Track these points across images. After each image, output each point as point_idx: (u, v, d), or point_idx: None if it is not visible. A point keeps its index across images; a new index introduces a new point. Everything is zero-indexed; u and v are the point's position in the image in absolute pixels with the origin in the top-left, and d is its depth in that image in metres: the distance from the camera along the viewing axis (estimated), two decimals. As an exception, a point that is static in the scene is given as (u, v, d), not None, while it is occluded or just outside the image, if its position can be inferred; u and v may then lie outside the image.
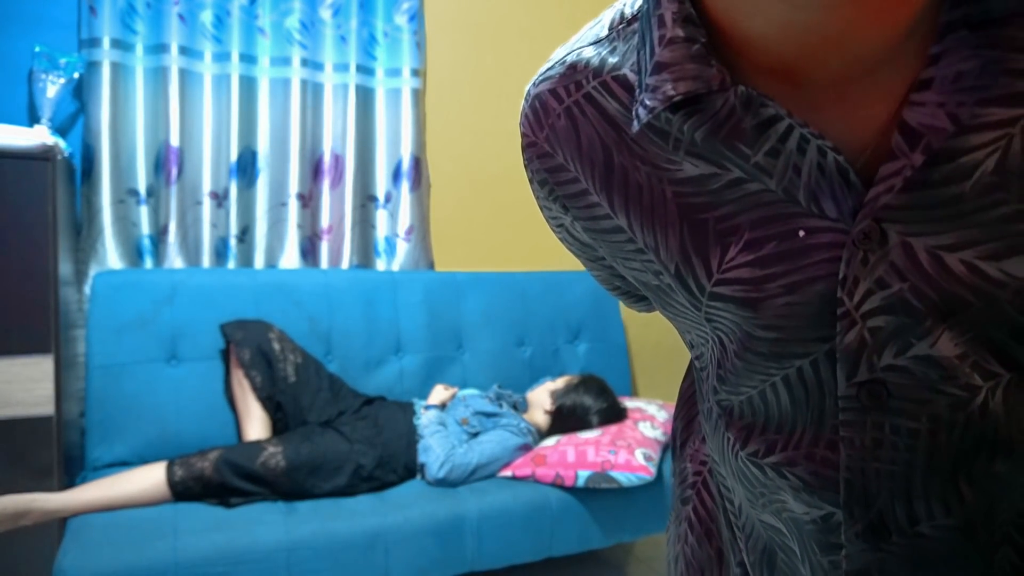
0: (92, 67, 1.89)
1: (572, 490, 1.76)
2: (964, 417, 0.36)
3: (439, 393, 2.00)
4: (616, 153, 0.41)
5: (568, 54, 0.44)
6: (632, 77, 0.39)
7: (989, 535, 0.38)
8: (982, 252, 0.33)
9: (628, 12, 0.41)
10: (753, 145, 0.35)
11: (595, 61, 0.42)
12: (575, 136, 0.43)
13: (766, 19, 0.31)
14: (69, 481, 1.63)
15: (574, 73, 0.43)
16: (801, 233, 0.36)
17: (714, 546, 0.56)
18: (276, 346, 1.84)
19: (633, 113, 0.39)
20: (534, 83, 0.46)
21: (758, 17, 0.31)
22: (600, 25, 0.43)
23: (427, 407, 1.92)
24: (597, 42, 0.42)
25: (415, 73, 2.28)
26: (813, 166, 0.34)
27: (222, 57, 2.05)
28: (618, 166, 0.42)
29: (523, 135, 0.47)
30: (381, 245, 2.33)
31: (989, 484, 0.37)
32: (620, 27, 0.41)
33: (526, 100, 0.47)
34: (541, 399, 2.03)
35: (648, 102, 0.36)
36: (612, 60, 0.41)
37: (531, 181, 0.49)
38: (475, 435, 1.87)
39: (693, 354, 0.51)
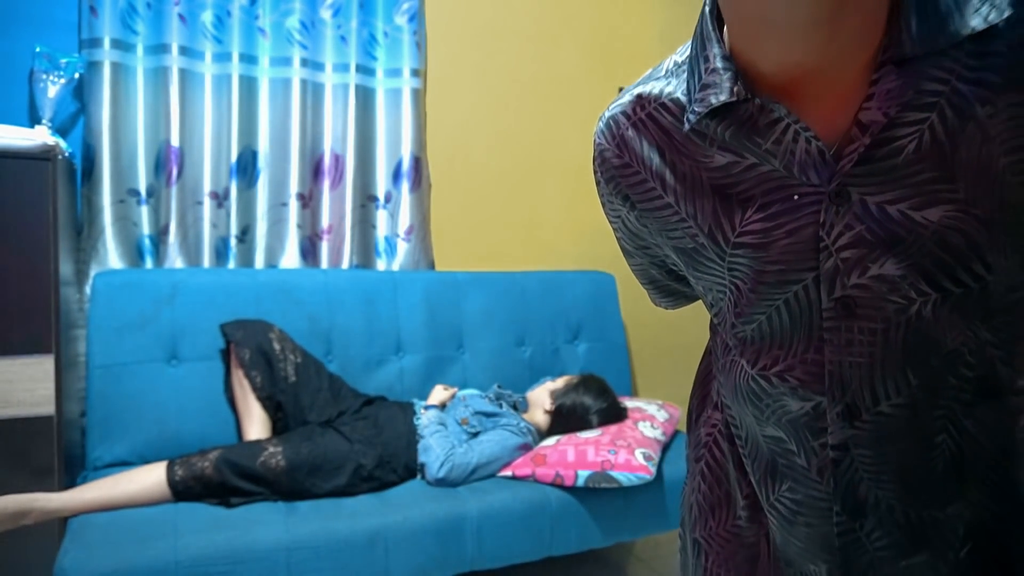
0: (93, 67, 1.89)
1: (572, 490, 1.76)
2: (905, 320, 0.52)
3: (439, 393, 2.01)
4: (668, 152, 0.61)
5: (636, 87, 0.65)
6: (682, 99, 0.59)
7: (930, 417, 0.54)
8: (910, 204, 0.51)
9: (679, 59, 0.61)
10: (764, 137, 0.53)
11: (655, 91, 0.62)
12: (639, 141, 0.63)
13: (770, 63, 0.51)
14: (70, 481, 1.64)
15: (639, 100, 0.63)
16: (796, 196, 0.54)
17: (723, 490, 0.73)
18: (276, 346, 1.84)
19: (684, 120, 0.58)
20: (608, 109, 0.67)
21: (765, 62, 0.52)
22: (659, 69, 0.64)
23: (427, 407, 1.92)
24: (656, 79, 0.63)
25: (415, 73, 2.29)
26: (802, 150, 0.52)
27: (222, 57, 2.06)
28: (669, 160, 0.61)
29: (596, 145, 0.68)
30: (381, 245, 2.33)
31: (927, 373, 0.53)
32: (673, 68, 0.62)
33: (601, 121, 0.67)
34: (541, 399, 2.03)
35: (697, 109, 0.55)
36: (668, 89, 0.61)
37: (599, 183, 0.69)
38: (475, 435, 1.87)
39: (712, 312, 0.67)
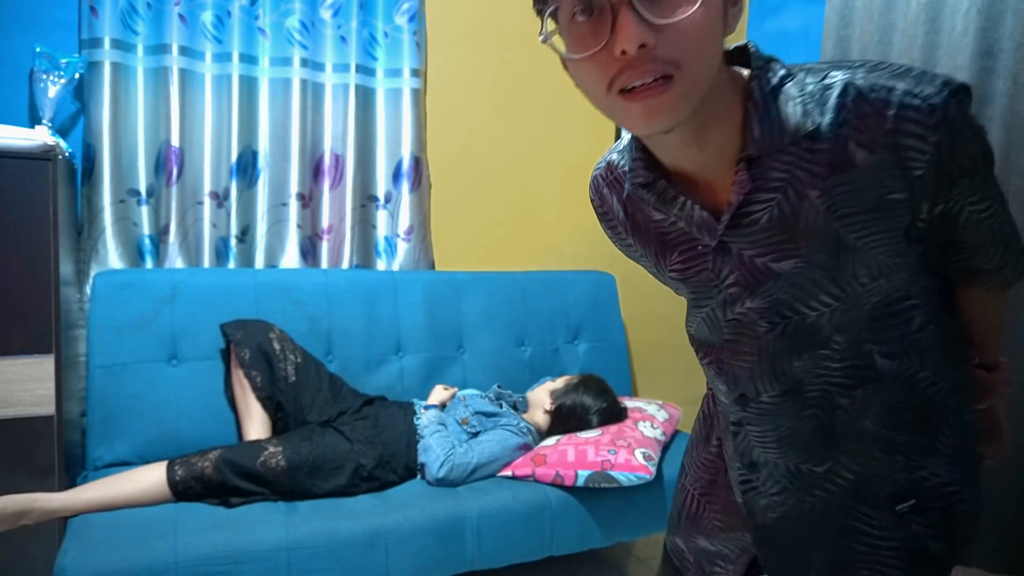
0: (93, 67, 1.89)
1: (572, 490, 1.76)
2: (772, 337, 0.76)
3: (439, 393, 2.00)
4: (628, 206, 0.84)
5: (609, 154, 0.87)
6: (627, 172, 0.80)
7: (801, 401, 0.78)
8: (770, 258, 0.71)
9: (625, 142, 0.82)
10: (673, 206, 0.75)
11: (617, 160, 0.85)
12: (611, 197, 0.86)
13: (670, 161, 0.74)
14: (70, 481, 1.64)
15: (609, 166, 0.87)
16: (699, 247, 0.76)
17: (705, 431, 1.02)
18: (276, 346, 1.84)
19: (625, 187, 0.81)
20: (595, 168, 0.89)
21: (666, 160, 0.74)
22: (620, 142, 0.84)
23: (427, 407, 1.92)
24: (619, 151, 0.85)
25: (415, 73, 2.29)
26: (697, 217, 0.74)
27: (223, 57, 2.06)
28: (629, 213, 0.84)
29: (590, 193, 0.91)
30: (381, 245, 2.33)
31: (791, 373, 0.77)
32: (625, 145, 0.82)
33: (591, 176, 0.90)
34: (541, 399, 2.03)
35: (629, 184, 0.79)
36: (622, 162, 0.83)
37: (599, 220, 0.92)
38: (475, 435, 1.87)
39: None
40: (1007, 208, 0.72)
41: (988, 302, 0.82)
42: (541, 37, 0.68)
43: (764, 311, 0.75)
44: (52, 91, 1.78)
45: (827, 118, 0.64)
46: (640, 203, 0.80)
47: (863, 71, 0.64)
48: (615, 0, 0.58)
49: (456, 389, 2.07)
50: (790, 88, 0.67)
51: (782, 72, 0.68)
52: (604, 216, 0.89)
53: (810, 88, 0.66)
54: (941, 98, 0.61)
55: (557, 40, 0.68)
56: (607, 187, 0.86)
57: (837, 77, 0.65)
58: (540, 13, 0.67)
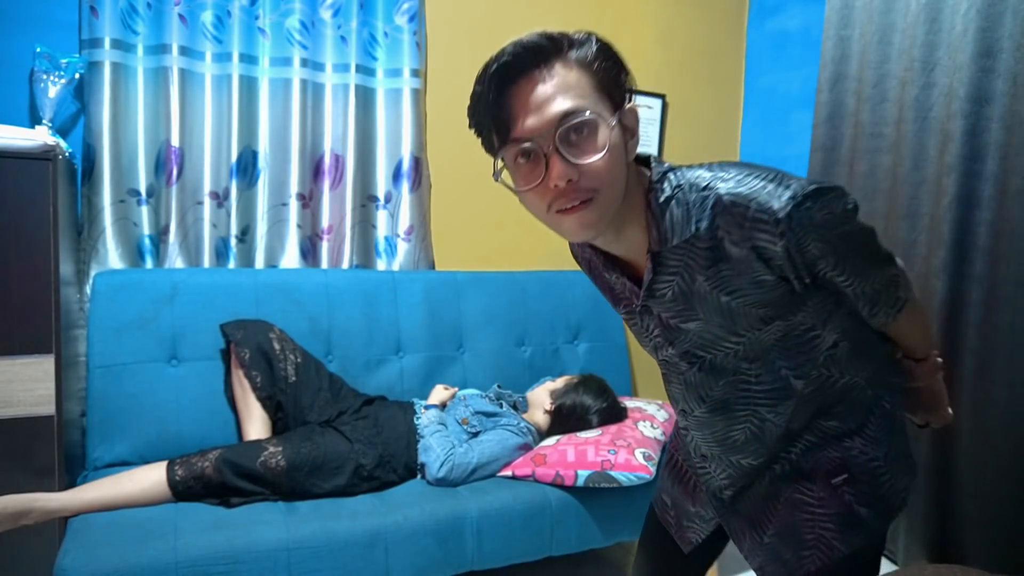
0: (93, 67, 1.89)
1: (572, 490, 1.76)
2: (691, 373, 0.97)
3: (439, 393, 2.00)
4: (592, 261, 1.01)
5: None
6: None
7: (730, 416, 0.97)
8: (678, 320, 0.92)
9: None
10: (612, 273, 0.95)
11: None
12: (582, 254, 1.05)
13: (604, 248, 0.94)
14: (70, 481, 1.64)
15: None
16: (634, 305, 0.95)
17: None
18: (276, 346, 1.84)
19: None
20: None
21: (601, 248, 0.94)
22: None
23: (427, 407, 1.92)
24: None
25: (415, 73, 2.29)
26: (626, 286, 0.94)
27: (223, 57, 2.06)
28: (594, 266, 1.02)
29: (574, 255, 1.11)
30: (381, 245, 2.33)
31: (714, 395, 0.96)
32: None
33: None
34: (541, 399, 2.03)
35: (585, 253, 1.02)
36: None
37: (572, 255, 1.13)
38: (475, 435, 1.87)
39: None
40: (874, 269, 0.89)
41: (898, 323, 0.98)
42: (493, 175, 0.87)
43: (683, 355, 0.96)
44: (52, 91, 1.78)
45: (704, 224, 0.83)
46: (595, 260, 0.99)
47: (733, 182, 0.81)
48: (547, 150, 0.78)
49: (456, 389, 2.07)
50: (677, 199, 0.85)
51: (669, 189, 0.86)
52: (576, 254, 1.09)
53: (692, 199, 0.84)
54: (785, 213, 0.77)
55: (506, 175, 0.86)
56: (578, 247, 1.06)
57: (712, 190, 0.82)
58: (490, 153, 0.88)
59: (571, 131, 0.78)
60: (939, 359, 1.09)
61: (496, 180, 0.87)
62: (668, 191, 0.86)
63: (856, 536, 0.96)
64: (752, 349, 0.92)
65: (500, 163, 0.86)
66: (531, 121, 0.79)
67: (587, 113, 0.78)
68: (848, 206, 0.81)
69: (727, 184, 0.82)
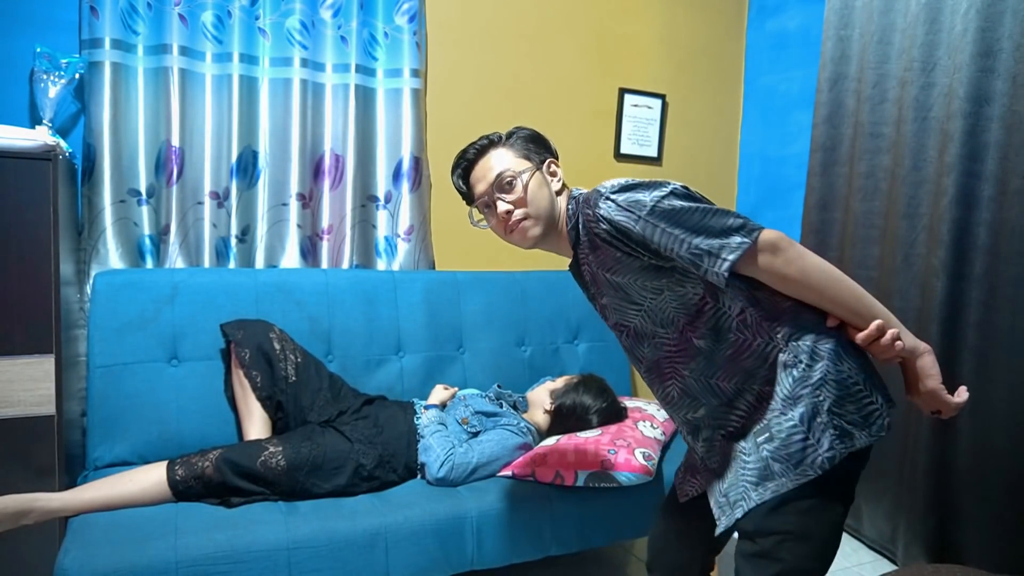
0: (93, 67, 1.89)
1: (572, 489, 1.76)
2: (624, 338, 1.27)
3: (439, 393, 2.01)
4: (574, 273, 1.36)
5: None
6: None
7: (661, 374, 1.22)
8: (598, 297, 1.28)
9: None
10: (579, 270, 1.30)
11: None
12: (573, 272, 1.39)
13: (555, 252, 1.36)
14: (70, 481, 1.64)
15: None
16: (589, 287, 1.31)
17: None
18: (276, 346, 1.84)
19: None
20: None
21: (553, 251, 1.36)
22: None
23: (427, 407, 1.92)
24: None
25: (415, 73, 2.29)
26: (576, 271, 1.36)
27: (223, 57, 2.06)
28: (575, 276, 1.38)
29: None
30: (381, 245, 2.33)
31: (645, 357, 1.24)
32: None
33: None
34: (541, 398, 2.03)
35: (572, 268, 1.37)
36: None
37: None
38: (475, 435, 1.87)
39: None
40: (693, 236, 1.07)
41: (778, 285, 1.09)
42: (472, 223, 1.40)
43: (615, 326, 1.27)
44: (52, 91, 1.78)
45: (582, 230, 1.21)
46: (573, 267, 1.34)
47: (590, 191, 1.21)
48: (492, 198, 1.28)
49: (456, 389, 2.07)
50: (579, 217, 1.22)
51: (574, 205, 1.25)
52: (572, 271, 1.37)
53: (581, 214, 1.21)
54: (597, 206, 1.15)
55: (481, 220, 1.37)
56: None
57: (579, 199, 1.24)
58: (469, 204, 1.39)
59: (503, 183, 1.26)
60: (898, 335, 1.07)
61: (473, 225, 1.40)
62: (573, 207, 1.25)
63: (766, 490, 1.08)
64: (657, 316, 1.17)
65: (476, 213, 1.36)
66: (480, 187, 1.31)
67: (508, 172, 1.26)
68: (659, 194, 1.09)
69: (585, 192, 1.24)
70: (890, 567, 2.28)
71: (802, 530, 1.08)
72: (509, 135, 1.34)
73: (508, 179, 1.26)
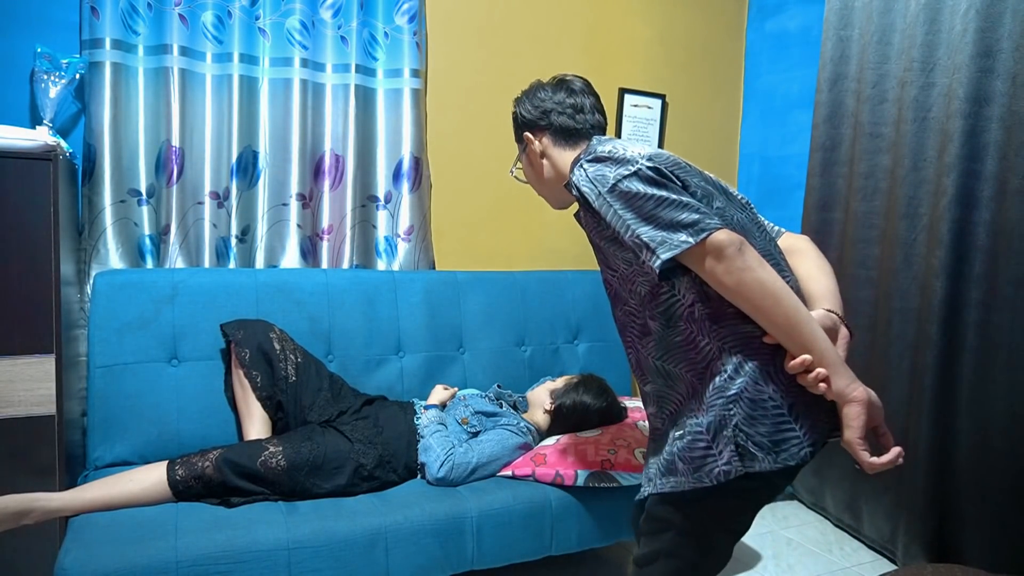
0: (94, 68, 1.89)
1: (572, 489, 1.76)
2: (608, 293, 1.29)
3: (439, 393, 2.01)
4: None
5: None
6: None
7: (626, 340, 1.26)
8: (594, 252, 1.28)
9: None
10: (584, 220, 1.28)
11: None
12: None
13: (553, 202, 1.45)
14: (71, 480, 1.64)
15: None
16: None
17: None
18: (277, 346, 1.84)
19: None
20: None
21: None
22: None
23: (427, 407, 1.92)
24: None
25: (415, 73, 2.29)
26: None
27: (223, 58, 2.06)
28: None
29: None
30: (381, 245, 2.33)
31: (617, 319, 1.28)
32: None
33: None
34: (541, 398, 2.03)
35: None
36: None
37: None
38: (475, 435, 1.87)
39: None
40: (640, 224, 1.08)
41: (719, 290, 1.06)
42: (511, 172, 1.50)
43: (604, 282, 1.29)
44: (53, 91, 1.78)
45: (573, 192, 1.20)
46: None
47: (577, 158, 1.24)
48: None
49: (456, 389, 2.07)
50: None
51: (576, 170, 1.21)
52: None
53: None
54: (571, 174, 1.19)
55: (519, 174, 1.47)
56: None
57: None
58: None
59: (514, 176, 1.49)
60: (825, 376, 1.03)
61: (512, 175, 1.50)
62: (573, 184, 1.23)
63: (667, 482, 1.13)
64: (626, 285, 1.20)
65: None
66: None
67: (513, 169, 1.48)
68: (623, 172, 1.10)
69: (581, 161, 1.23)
70: (890, 567, 2.28)
71: (687, 528, 1.13)
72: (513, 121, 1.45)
73: (515, 175, 1.47)
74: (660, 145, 2.88)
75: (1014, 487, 2.00)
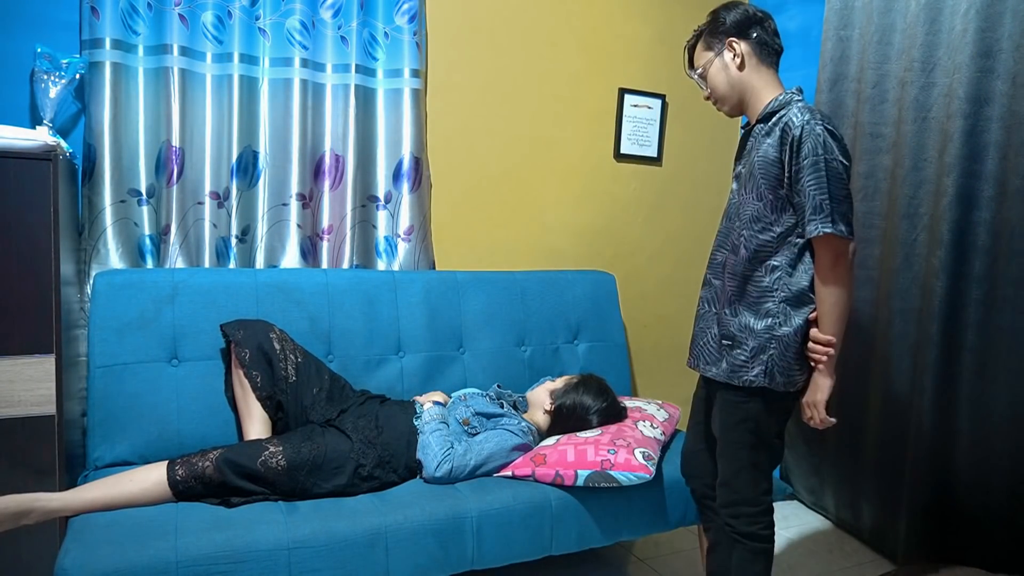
0: (94, 68, 1.89)
1: (572, 489, 1.76)
2: (730, 200, 1.62)
3: (436, 396, 2.01)
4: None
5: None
6: None
7: (718, 244, 1.64)
8: (742, 162, 1.59)
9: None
10: (747, 136, 1.62)
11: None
12: None
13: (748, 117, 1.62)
14: (71, 481, 1.64)
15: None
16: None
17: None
18: (277, 346, 1.84)
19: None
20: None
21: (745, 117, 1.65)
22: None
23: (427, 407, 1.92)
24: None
25: (415, 73, 2.29)
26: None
27: (223, 58, 2.06)
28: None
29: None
30: (381, 245, 2.33)
31: (722, 225, 1.63)
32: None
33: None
34: (541, 399, 2.03)
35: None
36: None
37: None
38: (475, 435, 1.87)
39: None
40: (828, 189, 1.38)
41: (820, 284, 1.42)
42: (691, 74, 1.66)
43: (734, 190, 1.58)
44: (53, 91, 1.78)
45: (775, 119, 1.48)
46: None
47: (811, 114, 1.42)
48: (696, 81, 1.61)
49: (449, 399, 2.05)
50: (781, 109, 1.50)
51: (785, 105, 1.49)
52: None
53: (787, 109, 1.48)
54: (807, 122, 1.40)
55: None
56: None
57: (800, 114, 1.43)
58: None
59: (697, 77, 1.60)
60: (828, 354, 1.43)
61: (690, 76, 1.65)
62: (781, 99, 1.49)
63: (720, 370, 1.52)
64: (745, 214, 1.48)
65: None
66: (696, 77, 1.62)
67: (698, 70, 1.59)
68: (837, 147, 1.39)
69: (802, 104, 1.46)
70: (890, 567, 2.28)
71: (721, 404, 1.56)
72: (708, 24, 1.57)
73: (698, 75, 1.59)
74: (660, 145, 2.88)
75: (1014, 487, 2.00)
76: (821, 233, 1.37)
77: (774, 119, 1.46)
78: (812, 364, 1.47)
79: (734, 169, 1.60)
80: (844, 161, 1.39)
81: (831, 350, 1.43)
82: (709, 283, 1.60)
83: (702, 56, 1.56)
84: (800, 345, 1.45)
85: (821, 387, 1.46)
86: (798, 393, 1.50)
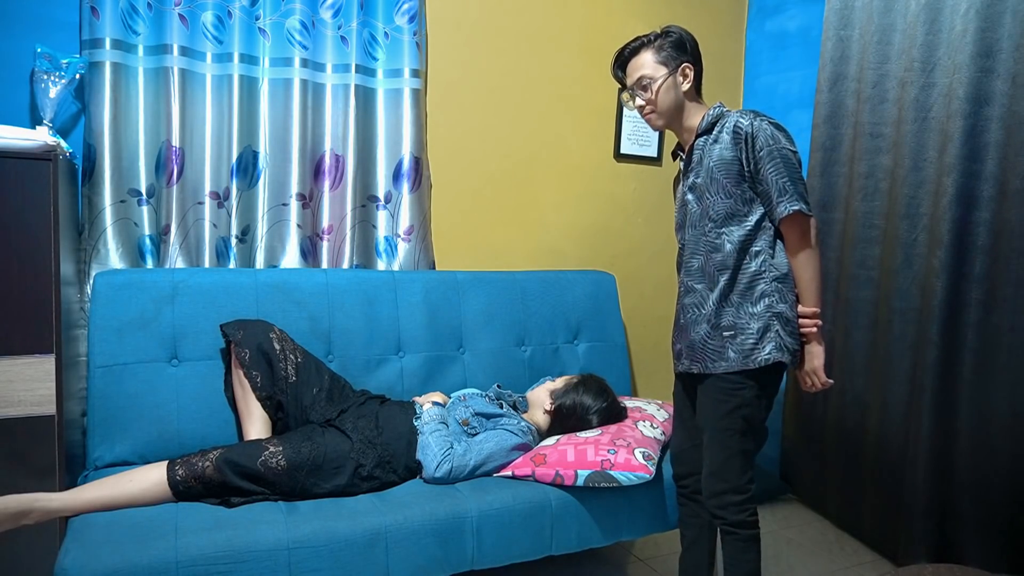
0: (94, 68, 1.89)
1: (572, 489, 1.76)
2: (679, 211, 1.75)
3: (436, 397, 2.01)
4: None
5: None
6: None
7: (684, 252, 1.71)
8: (691, 175, 1.67)
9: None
10: (690, 152, 1.71)
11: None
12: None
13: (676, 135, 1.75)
14: (71, 481, 1.64)
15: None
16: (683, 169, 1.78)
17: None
18: (277, 346, 1.84)
19: None
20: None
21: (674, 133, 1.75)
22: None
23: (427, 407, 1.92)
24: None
25: (415, 73, 2.29)
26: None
27: (223, 58, 2.06)
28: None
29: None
30: (382, 245, 2.33)
31: (686, 239, 1.70)
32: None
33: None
34: (541, 399, 2.03)
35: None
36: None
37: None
38: (475, 436, 1.87)
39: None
40: (787, 175, 1.54)
41: (795, 260, 1.57)
42: (623, 103, 1.93)
43: (688, 192, 1.68)
44: (53, 91, 1.78)
45: (719, 126, 1.61)
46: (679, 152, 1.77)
47: (753, 115, 1.57)
48: (634, 92, 1.68)
49: (449, 399, 2.05)
50: (720, 118, 1.63)
51: (719, 113, 1.64)
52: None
53: (727, 117, 1.62)
54: (753, 120, 1.56)
55: (628, 102, 1.72)
56: None
57: (744, 117, 1.57)
58: (622, 90, 1.74)
59: (641, 84, 1.63)
60: (816, 322, 1.57)
61: (623, 105, 1.87)
62: (716, 111, 1.61)
63: (728, 362, 1.56)
64: (718, 214, 1.57)
65: (626, 96, 1.71)
66: (628, 81, 1.68)
67: (646, 77, 1.63)
68: (783, 137, 1.54)
69: (732, 110, 1.61)
70: (890, 567, 2.28)
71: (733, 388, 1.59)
72: (658, 37, 1.65)
73: (645, 83, 1.62)
74: (660, 145, 2.88)
75: (1014, 487, 2.00)
76: (790, 211, 1.50)
77: (716, 127, 1.58)
78: (803, 338, 1.59)
79: (683, 183, 1.68)
80: (792, 148, 1.54)
81: (819, 320, 1.57)
82: (691, 289, 1.64)
83: (654, 67, 1.62)
84: (796, 319, 1.57)
85: (816, 354, 1.59)
86: (782, 375, 1.62)
